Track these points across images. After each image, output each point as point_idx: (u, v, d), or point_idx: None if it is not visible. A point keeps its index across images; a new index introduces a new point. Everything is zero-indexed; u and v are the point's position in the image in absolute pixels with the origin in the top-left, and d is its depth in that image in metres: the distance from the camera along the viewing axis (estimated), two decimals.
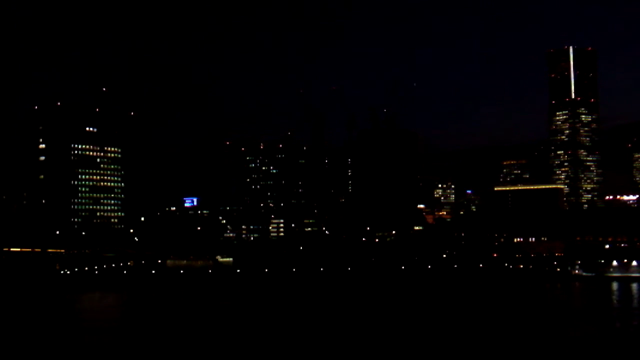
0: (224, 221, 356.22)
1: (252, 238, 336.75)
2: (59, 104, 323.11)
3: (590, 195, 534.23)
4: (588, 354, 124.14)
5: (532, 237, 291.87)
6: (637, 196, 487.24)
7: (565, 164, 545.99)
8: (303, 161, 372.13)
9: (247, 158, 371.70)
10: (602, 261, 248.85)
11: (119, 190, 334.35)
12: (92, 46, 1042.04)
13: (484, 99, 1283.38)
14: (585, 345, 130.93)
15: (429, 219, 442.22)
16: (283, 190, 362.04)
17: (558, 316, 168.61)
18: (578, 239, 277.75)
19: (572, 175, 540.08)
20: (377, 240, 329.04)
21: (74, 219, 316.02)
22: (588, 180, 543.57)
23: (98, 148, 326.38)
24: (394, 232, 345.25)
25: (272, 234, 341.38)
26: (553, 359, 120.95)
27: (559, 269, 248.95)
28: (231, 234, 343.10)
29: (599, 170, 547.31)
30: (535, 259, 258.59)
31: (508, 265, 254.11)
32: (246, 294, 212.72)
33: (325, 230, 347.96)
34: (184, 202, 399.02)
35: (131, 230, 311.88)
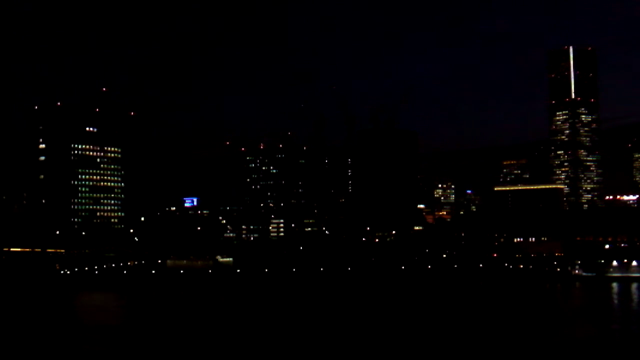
0: (224, 221, 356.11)
1: (252, 238, 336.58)
2: (59, 104, 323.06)
3: (590, 195, 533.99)
4: (588, 354, 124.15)
5: (532, 237, 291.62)
6: (637, 196, 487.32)
7: (565, 164, 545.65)
8: (303, 161, 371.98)
9: (247, 158, 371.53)
10: (602, 261, 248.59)
11: (119, 190, 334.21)
12: (92, 46, 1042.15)
13: (484, 98, 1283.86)
14: (585, 345, 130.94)
15: (429, 219, 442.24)
16: (283, 190, 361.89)
17: (558, 316, 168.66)
18: (578, 239, 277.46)
19: (572, 175, 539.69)
20: (377, 240, 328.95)
21: (74, 219, 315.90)
22: (588, 180, 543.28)
23: (98, 148, 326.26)
24: (394, 232, 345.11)
25: (272, 234, 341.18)
26: (553, 359, 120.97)
27: (559, 269, 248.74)
28: (231, 234, 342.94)
29: (599, 170, 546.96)
30: (535, 259, 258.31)
31: (508, 265, 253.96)
32: (246, 294, 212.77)
33: (325, 230, 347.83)
34: (184, 202, 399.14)
35: (131, 230, 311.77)
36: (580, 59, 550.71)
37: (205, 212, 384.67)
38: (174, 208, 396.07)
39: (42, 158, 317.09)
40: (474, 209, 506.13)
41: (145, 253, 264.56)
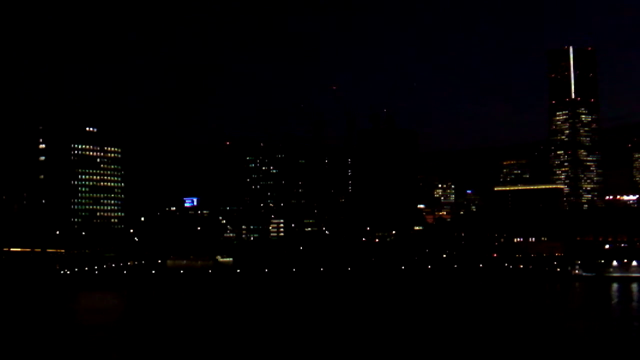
0: (224, 221, 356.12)
1: (252, 238, 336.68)
2: (59, 104, 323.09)
3: (590, 195, 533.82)
4: (587, 353, 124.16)
5: (532, 237, 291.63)
6: (637, 196, 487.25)
7: (565, 164, 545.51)
8: (303, 161, 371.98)
9: (247, 158, 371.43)
10: (602, 261, 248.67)
11: (119, 190, 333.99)
12: (92, 46, 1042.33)
13: (484, 98, 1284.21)
14: (584, 345, 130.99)
15: (429, 219, 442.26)
16: (283, 190, 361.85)
17: (558, 316, 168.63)
18: (578, 239, 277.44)
19: (572, 175, 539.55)
20: (377, 240, 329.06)
21: (74, 219, 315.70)
22: (588, 180, 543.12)
23: (98, 148, 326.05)
24: (394, 232, 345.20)
25: (272, 234, 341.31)
26: (553, 358, 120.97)
27: (559, 269, 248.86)
28: (231, 234, 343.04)
29: (599, 170, 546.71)
30: (535, 259, 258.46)
31: (508, 265, 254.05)
32: (246, 294, 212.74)
33: (325, 230, 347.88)
34: (184, 202, 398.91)
35: (131, 230, 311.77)
36: (580, 59, 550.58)
37: (205, 212, 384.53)
38: (174, 208, 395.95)
39: (42, 158, 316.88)
40: (474, 209, 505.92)
41: (145, 253, 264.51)
